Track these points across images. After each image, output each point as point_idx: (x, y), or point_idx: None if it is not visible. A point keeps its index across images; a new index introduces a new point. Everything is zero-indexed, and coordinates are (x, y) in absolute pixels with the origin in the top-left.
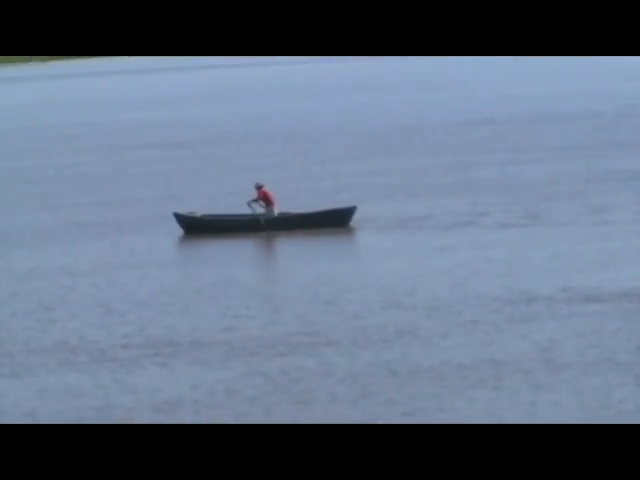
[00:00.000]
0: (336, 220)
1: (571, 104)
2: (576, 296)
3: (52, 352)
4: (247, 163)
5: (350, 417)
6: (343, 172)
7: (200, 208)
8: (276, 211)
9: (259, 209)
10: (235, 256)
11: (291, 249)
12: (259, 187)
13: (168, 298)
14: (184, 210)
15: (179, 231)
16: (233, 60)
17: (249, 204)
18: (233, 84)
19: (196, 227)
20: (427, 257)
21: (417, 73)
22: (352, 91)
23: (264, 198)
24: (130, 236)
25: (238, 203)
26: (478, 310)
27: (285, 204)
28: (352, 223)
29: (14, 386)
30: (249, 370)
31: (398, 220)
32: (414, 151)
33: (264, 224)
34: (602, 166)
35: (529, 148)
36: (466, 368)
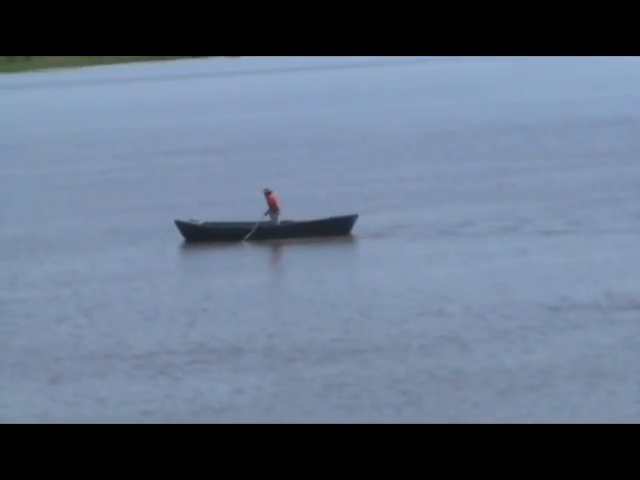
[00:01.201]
0: (337, 228)
1: (604, 109)
2: (619, 303)
3: (92, 358)
4: (279, 169)
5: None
6: (376, 178)
7: (228, 215)
8: (279, 219)
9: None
10: (257, 264)
11: (314, 256)
12: (268, 193)
13: (205, 304)
14: (185, 217)
15: (180, 239)
16: (266, 65)
17: (265, 215)
18: (266, 90)
19: (197, 235)
20: (466, 263)
21: (449, 78)
22: (384, 97)
23: (271, 205)
24: (160, 243)
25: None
26: (521, 317)
27: (315, 210)
28: (353, 231)
29: (55, 392)
30: (291, 377)
31: (434, 226)
32: (447, 157)
33: (261, 232)
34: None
35: (564, 154)
36: (511, 374)
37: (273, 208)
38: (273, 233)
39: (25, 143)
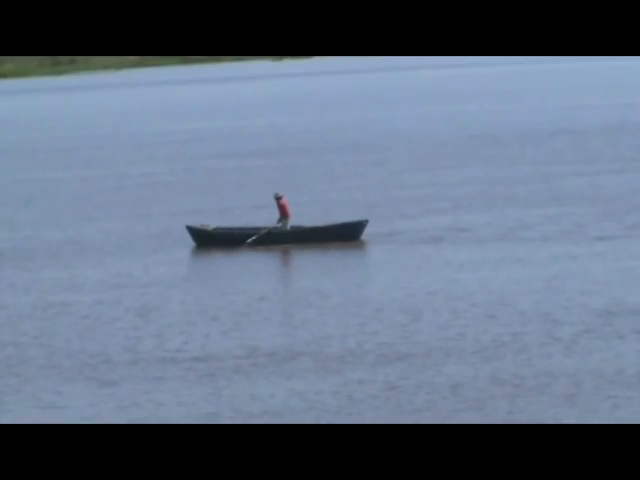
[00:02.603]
0: (347, 234)
1: None
2: None
3: (147, 361)
4: (323, 172)
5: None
6: (422, 182)
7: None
8: (289, 224)
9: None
10: (285, 269)
11: (347, 261)
12: (278, 198)
13: (261, 308)
14: (196, 223)
15: (191, 244)
16: (309, 68)
17: (279, 223)
18: (310, 93)
19: (208, 240)
20: (519, 268)
21: (493, 82)
22: (428, 100)
23: (281, 210)
24: (176, 248)
25: (311, 214)
26: (578, 322)
27: (357, 214)
28: (363, 237)
29: (109, 394)
30: (346, 380)
31: (486, 230)
32: (494, 161)
33: (270, 237)
34: None
35: (612, 158)
36: (572, 379)
37: (283, 213)
38: (283, 238)
39: (71, 146)
